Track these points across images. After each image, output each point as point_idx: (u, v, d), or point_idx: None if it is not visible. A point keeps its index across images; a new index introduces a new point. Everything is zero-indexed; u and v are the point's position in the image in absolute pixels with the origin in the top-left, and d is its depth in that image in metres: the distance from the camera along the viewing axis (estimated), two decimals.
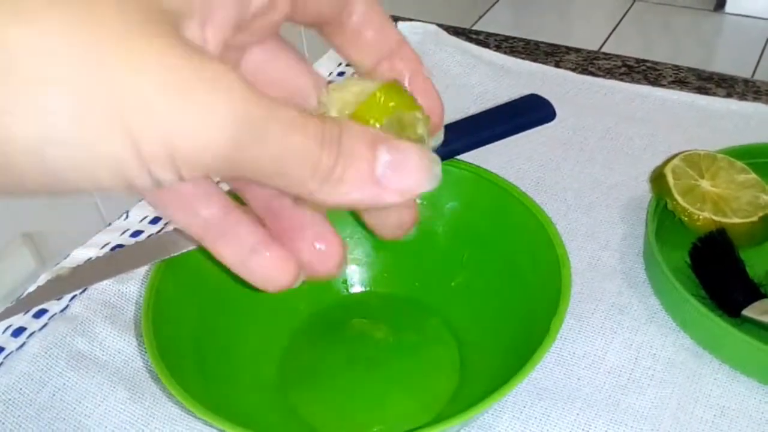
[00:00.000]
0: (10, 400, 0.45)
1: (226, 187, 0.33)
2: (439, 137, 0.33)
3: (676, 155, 0.54)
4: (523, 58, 0.72)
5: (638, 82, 0.69)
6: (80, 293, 0.51)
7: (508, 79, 0.69)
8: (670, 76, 0.70)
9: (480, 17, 2.30)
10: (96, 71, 0.20)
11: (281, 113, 0.23)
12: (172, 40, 0.21)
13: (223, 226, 0.29)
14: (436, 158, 0.27)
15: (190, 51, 0.22)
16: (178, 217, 0.30)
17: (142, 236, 0.55)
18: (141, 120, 0.21)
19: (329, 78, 0.69)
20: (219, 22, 0.24)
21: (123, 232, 0.56)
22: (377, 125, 0.28)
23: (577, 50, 0.74)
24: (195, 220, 0.29)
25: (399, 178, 0.26)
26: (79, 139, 0.20)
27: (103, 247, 0.54)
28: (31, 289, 0.50)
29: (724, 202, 0.51)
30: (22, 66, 0.20)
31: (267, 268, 0.30)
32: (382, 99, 0.29)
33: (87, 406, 0.44)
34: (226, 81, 0.22)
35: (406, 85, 0.32)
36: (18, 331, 0.48)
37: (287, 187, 0.25)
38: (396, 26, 0.31)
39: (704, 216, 0.50)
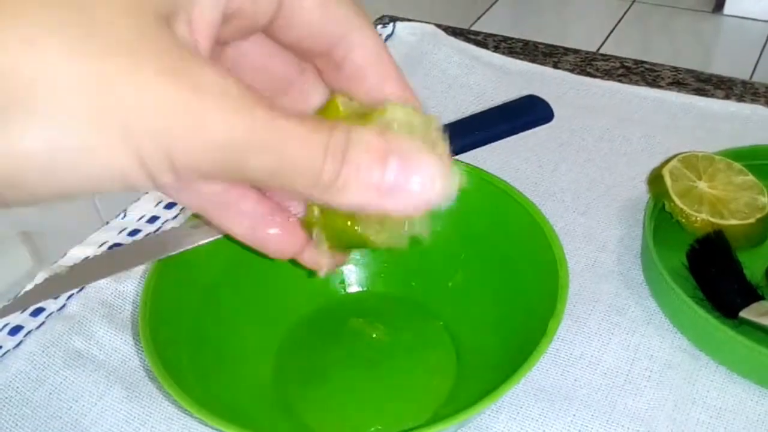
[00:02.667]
0: (6, 398, 0.45)
1: None
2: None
3: (673, 157, 0.54)
4: (521, 59, 0.72)
5: (636, 83, 0.69)
6: (77, 292, 0.51)
7: (507, 79, 0.69)
8: (669, 77, 0.70)
9: (478, 17, 2.30)
10: (98, 86, 0.20)
11: (281, 122, 0.23)
12: (170, 47, 0.22)
13: (226, 201, 0.30)
14: (455, 171, 0.26)
15: (187, 57, 0.22)
16: (181, 196, 0.30)
17: (140, 235, 0.55)
18: (143, 131, 0.21)
19: None
20: (204, 18, 0.25)
21: (120, 231, 0.56)
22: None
23: (576, 51, 0.74)
24: (198, 197, 0.30)
25: (408, 191, 0.25)
26: (87, 152, 0.21)
27: (100, 245, 0.54)
28: (29, 287, 0.50)
29: (722, 203, 0.51)
30: (24, 86, 0.20)
31: (277, 237, 0.31)
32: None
33: (83, 405, 0.44)
34: (223, 88, 0.22)
35: None
36: (15, 330, 0.48)
37: (288, 189, 0.25)
38: (399, 68, 0.31)
39: (702, 217, 0.50)
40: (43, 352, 0.47)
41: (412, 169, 0.25)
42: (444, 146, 0.28)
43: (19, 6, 0.20)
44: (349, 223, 0.30)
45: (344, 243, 0.32)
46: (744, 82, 0.69)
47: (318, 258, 0.33)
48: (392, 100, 0.28)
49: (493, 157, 0.59)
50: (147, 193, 0.57)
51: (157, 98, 0.21)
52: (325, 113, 0.30)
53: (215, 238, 0.37)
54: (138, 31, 0.21)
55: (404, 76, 0.31)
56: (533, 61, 0.72)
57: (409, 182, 0.25)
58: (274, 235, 0.31)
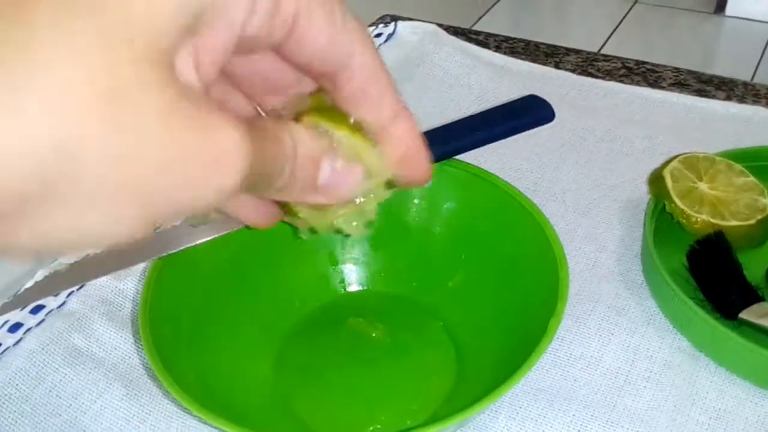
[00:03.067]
0: (6, 395, 0.45)
1: None
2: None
3: (674, 157, 0.54)
4: (522, 59, 0.72)
5: (638, 83, 0.69)
6: (77, 289, 0.51)
7: (508, 79, 0.69)
8: (670, 78, 0.70)
9: (480, 17, 2.30)
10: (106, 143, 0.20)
11: (270, 134, 0.26)
12: (171, 95, 0.22)
13: None
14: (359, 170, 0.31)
15: (187, 103, 0.22)
16: None
17: None
18: (153, 194, 0.22)
19: None
20: (215, 46, 0.25)
21: None
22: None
23: (577, 51, 0.74)
24: None
25: (335, 188, 0.30)
26: (112, 225, 0.22)
27: None
28: (29, 285, 0.50)
29: (723, 204, 0.51)
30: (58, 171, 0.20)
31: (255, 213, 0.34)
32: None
33: (83, 403, 0.44)
34: (223, 137, 0.23)
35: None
36: (15, 327, 0.48)
37: (265, 192, 0.28)
38: (395, 88, 0.32)
39: (702, 218, 0.50)
40: (42, 349, 0.47)
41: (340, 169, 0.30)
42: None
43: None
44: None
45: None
46: (745, 84, 0.69)
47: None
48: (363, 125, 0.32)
49: (494, 158, 0.59)
50: None
51: (162, 160, 0.21)
52: (324, 114, 0.32)
53: (215, 236, 0.37)
54: (138, 84, 0.21)
55: (397, 93, 0.32)
56: (534, 61, 0.72)
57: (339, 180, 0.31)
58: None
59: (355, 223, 0.35)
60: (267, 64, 0.31)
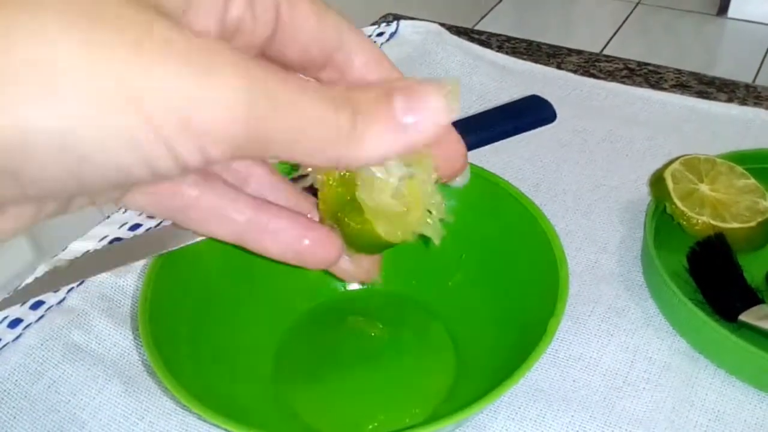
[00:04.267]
0: (5, 391, 0.45)
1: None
2: (465, 175, 0.34)
3: (675, 159, 0.54)
4: (524, 59, 0.72)
5: (639, 85, 0.69)
6: (77, 286, 0.51)
7: (510, 79, 0.69)
8: (672, 79, 0.70)
9: (482, 17, 2.30)
10: (103, 59, 0.20)
11: (289, 78, 0.23)
12: (170, 24, 0.22)
13: (260, 225, 0.32)
14: (453, 89, 0.27)
15: (189, 32, 0.22)
16: (214, 229, 0.32)
17: (141, 230, 0.55)
18: (153, 97, 0.21)
19: None
20: (202, 22, 0.25)
21: (121, 225, 0.56)
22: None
23: (579, 52, 0.74)
24: (233, 227, 0.32)
25: (421, 117, 0.26)
26: (96, 122, 0.21)
27: (101, 239, 0.54)
28: (29, 280, 0.50)
29: (723, 206, 0.51)
30: (30, 62, 0.20)
31: (313, 248, 0.33)
32: None
33: (82, 399, 0.44)
34: (230, 54, 0.22)
35: None
36: (14, 323, 0.48)
37: (313, 155, 0.25)
38: (394, 65, 0.31)
39: (703, 220, 0.50)
40: (42, 345, 0.47)
41: (415, 97, 0.26)
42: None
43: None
44: (361, 223, 0.32)
45: (360, 244, 0.34)
46: (747, 86, 0.69)
47: (350, 267, 0.36)
48: None
49: (496, 157, 0.59)
50: None
51: (163, 65, 0.21)
52: None
53: None
54: (144, 19, 0.21)
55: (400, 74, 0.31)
56: (536, 61, 0.72)
57: (420, 109, 0.26)
58: (310, 246, 0.33)
59: (431, 221, 0.33)
60: None
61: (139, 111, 0.21)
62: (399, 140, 0.25)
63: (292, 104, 0.23)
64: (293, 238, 0.32)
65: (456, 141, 0.33)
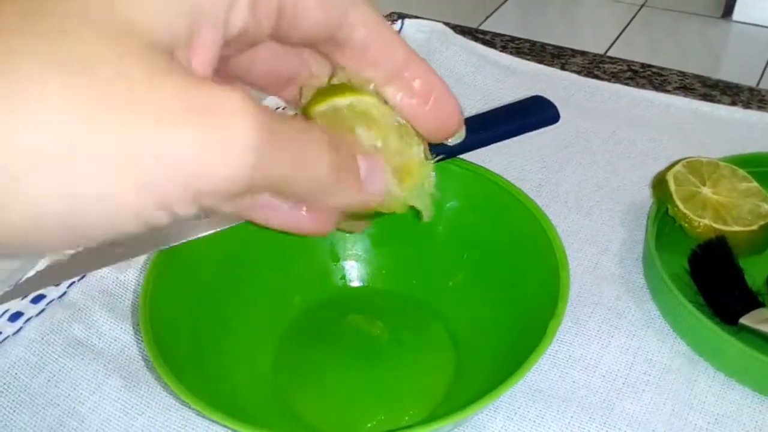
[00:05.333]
0: (5, 384, 0.45)
1: None
2: (460, 135, 0.35)
3: (678, 161, 0.54)
4: (528, 59, 0.71)
5: (643, 87, 0.69)
6: (79, 280, 0.51)
7: (513, 79, 0.69)
8: (676, 82, 0.70)
9: (487, 17, 2.30)
10: (110, 136, 0.21)
11: (290, 120, 0.25)
12: (172, 76, 0.22)
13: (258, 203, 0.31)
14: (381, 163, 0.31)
15: (191, 82, 0.22)
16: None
17: None
18: (163, 174, 0.21)
19: None
20: (204, 46, 0.25)
21: None
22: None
23: (583, 53, 0.74)
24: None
25: (373, 183, 0.30)
26: (107, 209, 0.21)
27: None
28: (30, 274, 0.50)
29: (725, 209, 0.51)
30: (33, 148, 0.20)
31: (310, 221, 0.32)
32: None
33: (81, 393, 0.44)
34: (231, 105, 0.22)
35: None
36: (15, 316, 0.48)
37: (305, 193, 0.27)
38: (402, 38, 0.32)
39: (704, 223, 0.50)
40: (42, 339, 0.47)
41: (370, 162, 0.30)
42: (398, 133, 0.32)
43: (19, 63, 0.20)
44: None
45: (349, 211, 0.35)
46: (751, 89, 0.68)
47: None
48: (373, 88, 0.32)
49: (498, 157, 0.59)
50: None
51: (169, 139, 0.21)
52: (326, 93, 0.32)
53: (217, 229, 0.37)
54: (143, 73, 0.21)
55: (407, 45, 0.31)
56: (540, 61, 0.72)
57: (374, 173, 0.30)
58: (308, 216, 0.32)
59: (419, 195, 0.34)
60: (270, 55, 0.31)
61: (149, 192, 0.21)
62: (359, 199, 0.30)
63: (295, 144, 0.25)
64: (289, 211, 0.32)
65: (450, 100, 0.33)
